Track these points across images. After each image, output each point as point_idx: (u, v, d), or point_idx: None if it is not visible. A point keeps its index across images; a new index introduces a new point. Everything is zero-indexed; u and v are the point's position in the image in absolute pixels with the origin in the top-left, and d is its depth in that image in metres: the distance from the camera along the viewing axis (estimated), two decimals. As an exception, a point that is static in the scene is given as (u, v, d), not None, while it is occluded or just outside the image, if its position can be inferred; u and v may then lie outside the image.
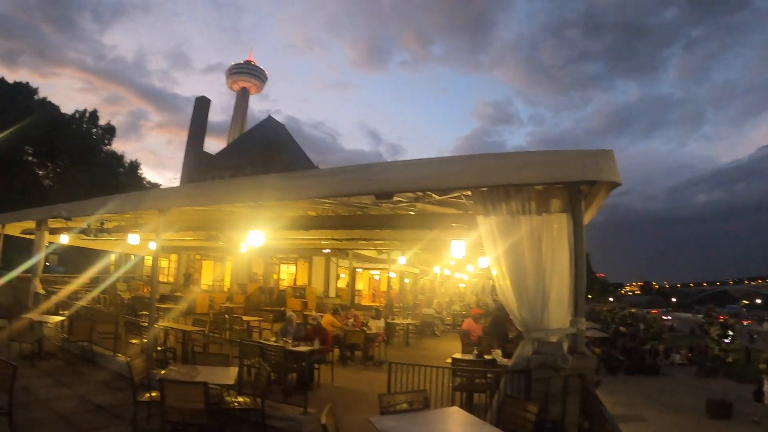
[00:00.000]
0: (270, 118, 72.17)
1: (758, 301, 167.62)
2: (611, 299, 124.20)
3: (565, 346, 7.10)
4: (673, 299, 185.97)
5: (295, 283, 30.90)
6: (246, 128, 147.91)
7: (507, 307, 7.32)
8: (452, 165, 7.05)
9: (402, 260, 22.63)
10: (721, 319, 43.12)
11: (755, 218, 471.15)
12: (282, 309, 23.66)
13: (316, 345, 11.75)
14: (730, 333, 36.22)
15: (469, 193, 7.28)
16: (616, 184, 6.68)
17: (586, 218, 7.95)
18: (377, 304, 29.09)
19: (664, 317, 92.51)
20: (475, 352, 11.18)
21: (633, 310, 57.37)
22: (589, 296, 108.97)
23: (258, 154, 56.13)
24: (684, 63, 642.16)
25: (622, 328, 49.66)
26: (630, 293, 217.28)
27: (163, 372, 7.62)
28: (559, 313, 7.06)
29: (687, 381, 35.14)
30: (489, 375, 9.52)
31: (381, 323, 17.93)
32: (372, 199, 8.12)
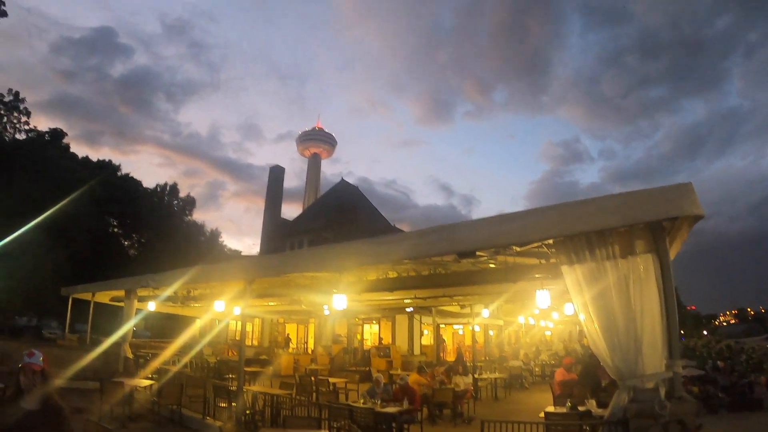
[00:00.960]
0: (343, 180, 73.41)
1: None
2: (705, 332, 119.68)
3: (662, 391, 6.88)
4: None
5: (379, 343, 30.89)
6: (320, 192, 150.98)
7: (598, 355, 7.18)
8: (532, 218, 7.11)
9: (485, 313, 22.39)
10: None
11: None
12: (367, 369, 23.65)
13: (405, 405, 11.68)
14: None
15: (551, 242, 7.21)
16: (699, 217, 6.55)
17: (671, 254, 7.77)
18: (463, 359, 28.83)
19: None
20: (569, 404, 10.91)
21: (730, 342, 54.91)
22: (681, 332, 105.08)
23: (334, 218, 56.87)
24: (747, 70, 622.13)
25: (719, 363, 47.58)
26: (725, 323, 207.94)
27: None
28: (653, 357, 6.87)
29: (799, 414, 33.21)
30: (585, 428, 9.27)
31: (468, 379, 17.70)
32: (453, 257, 8.13)
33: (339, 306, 12.98)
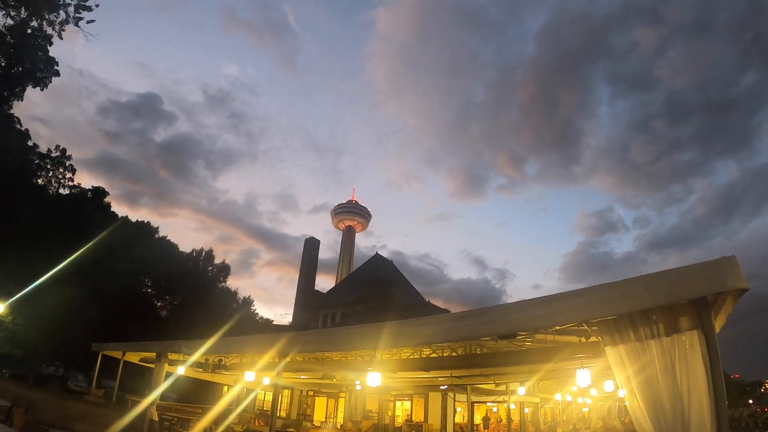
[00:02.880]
0: (377, 254, 73.98)
1: None
2: (750, 401, 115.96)
3: (714, 473, 6.63)
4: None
5: (410, 419, 30.32)
6: (353, 265, 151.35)
7: (643, 435, 6.95)
8: (572, 300, 7.07)
9: (521, 391, 21.94)
10: None
11: None
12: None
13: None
14: None
15: (593, 320, 7.12)
16: (744, 290, 6.42)
17: (717, 327, 7.60)
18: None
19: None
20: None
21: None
22: (726, 401, 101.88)
23: (368, 291, 57.00)
24: None
25: (767, 432, 46.00)
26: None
27: None
28: (702, 438, 6.64)
29: None
30: None
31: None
32: (494, 338, 8.06)
33: (373, 383, 12.84)
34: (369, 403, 32.36)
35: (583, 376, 10.78)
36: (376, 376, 12.65)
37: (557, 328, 8.17)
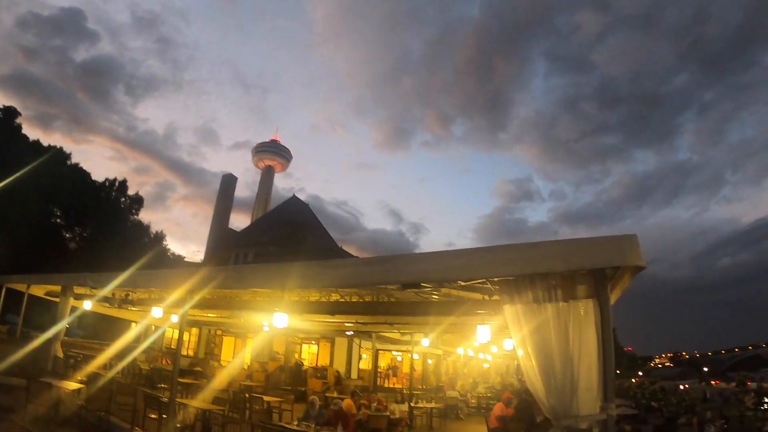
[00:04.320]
0: (294, 196, 73.04)
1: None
2: (640, 373, 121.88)
3: (596, 432, 6.97)
4: (705, 368, 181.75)
5: (316, 363, 30.62)
6: (270, 205, 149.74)
7: (534, 393, 7.24)
8: (477, 256, 7.13)
9: (425, 342, 22.41)
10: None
11: None
12: (303, 389, 23.40)
13: (339, 430, 11.59)
14: (767, 399, 35.25)
15: (495, 279, 7.28)
16: (641, 268, 6.69)
17: (612, 300, 7.91)
18: (399, 385, 28.77)
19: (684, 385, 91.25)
20: (504, 438, 10.99)
21: (664, 384, 56.12)
22: (618, 371, 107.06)
23: (282, 233, 56.55)
24: (699, 127, 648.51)
25: (653, 403, 48.60)
26: (660, 365, 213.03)
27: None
28: (588, 399, 6.95)
29: (724, 454, 34.10)
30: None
31: (404, 407, 17.68)
32: (398, 286, 8.14)
33: (279, 324, 12.88)
34: (276, 345, 32.45)
35: (482, 332, 11.09)
36: (282, 317, 12.69)
37: (461, 283, 8.35)
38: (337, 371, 27.70)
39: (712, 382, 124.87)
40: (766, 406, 35.15)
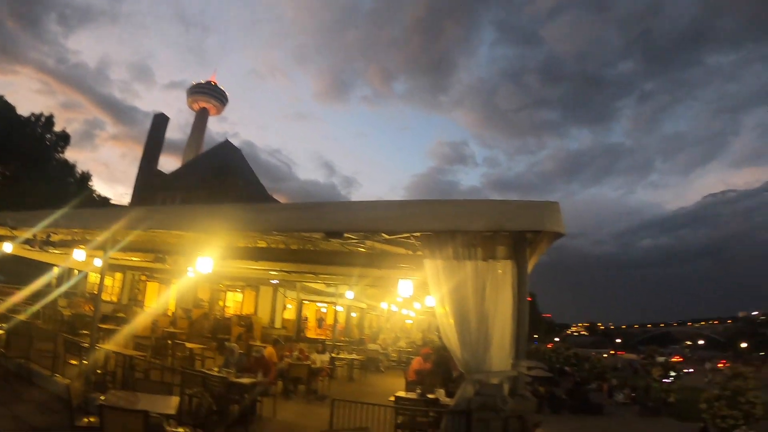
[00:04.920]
0: (227, 141, 71.64)
1: (700, 342, 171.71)
2: (557, 339, 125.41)
3: (506, 388, 7.21)
4: (618, 340, 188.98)
5: (241, 312, 30.50)
6: (202, 149, 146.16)
7: (449, 347, 7.41)
8: (402, 209, 7.17)
9: (350, 295, 22.58)
10: (676, 359, 44.11)
11: (698, 263, 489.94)
12: (227, 337, 23.34)
13: (259, 377, 11.65)
14: (672, 373, 36.86)
15: (418, 234, 7.37)
16: (560, 234, 6.88)
17: (530, 264, 8.13)
18: (323, 336, 28.97)
19: (603, 356, 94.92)
20: (418, 390, 11.24)
21: (577, 350, 57.94)
22: (535, 336, 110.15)
23: (212, 177, 55.58)
24: (636, 114, 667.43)
25: (566, 368, 50.15)
26: (576, 333, 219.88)
27: (103, 397, 7.48)
28: (500, 356, 7.18)
29: (631, 420, 35.74)
30: (431, 414, 9.58)
31: (326, 357, 17.86)
32: (322, 235, 8.15)
33: (204, 269, 12.79)
34: (200, 292, 32.12)
35: (404, 286, 11.26)
36: (207, 261, 12.61)
37: (385, 236, 8.44)
38: (250, 318, 27.63)
39: (619, 353, 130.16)
40: (671, 379, 36.69)
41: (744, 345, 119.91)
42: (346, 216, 7.34)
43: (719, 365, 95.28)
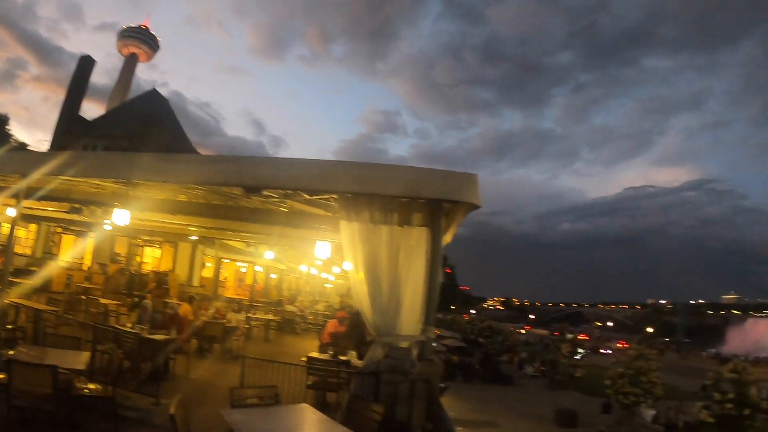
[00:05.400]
0: (155, 90, 69.41)
1: (610, 324, 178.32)
2: (473, 311, 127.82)
3: (415, 352, 7.37)
4: (532, 316, 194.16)
5: (158, 268, 30.00)
6: (129, 96, 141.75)
7: (361, 310, 7.51)
8: (322, 169, 7.15)
9: (269, 255, 22.49)
10: (582, 337, 45.83)
11: (613, 251, 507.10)
12: (143, 294, 22.99)
13: (173, 334, 11.58)
14: (580, 350, 38.19)
15: (337, 194, 7.40)
16: (476, 206, 7.01)
17: (448, 235, 8.30)
18: (241, 296, 28.82)
19: (520, 331, 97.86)
20: (331, 352, 11.38)
21: (491, 323, 59.29)
22: (452, 307, 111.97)
23: (136, 127, 53.75)
24: (569, 103, 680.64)
25: (480, 339, 51.34)
26: (491, 307, 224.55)
27: (11, 352, 7.33)
28: (410, 320, 7.32)
29: (538, 392, 37.10)
30: (342, 375, 9.72)
31: (242, 317, 17.82)
32: (242, 191, 8.09)
33: (120, 221, 12.52)
34: (118, 247, 31.42)
35: (322, 248, 11.31)
36: (124, 213, 12.35)
37: (306, 196, 8.44)
38: (167, 274, 27.23)
39: (526, 328, 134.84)
40: (578, 356, 38.01)
41: (650, 330, 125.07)
42: (266, 172, 7.22)
43: (618, 345, 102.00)
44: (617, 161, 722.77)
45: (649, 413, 29.73)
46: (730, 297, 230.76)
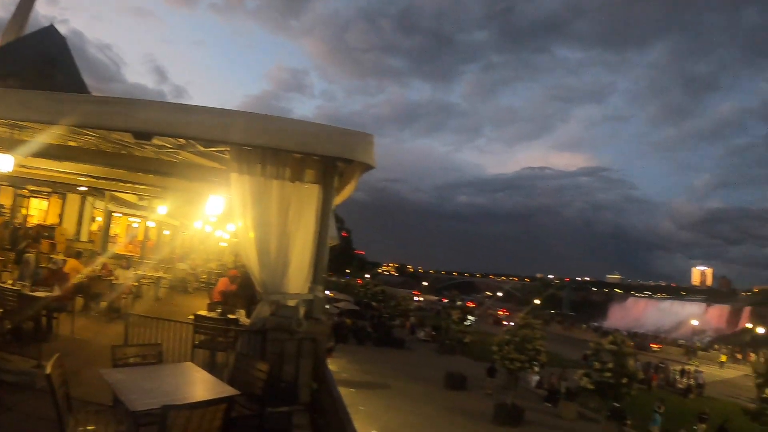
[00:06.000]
0: (52, 27, 65.97)
1: (499, 294, 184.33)
2: (367, 276, 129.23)
3: (302, 311, 7.37)
4: (425, 283, 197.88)
5: (45, 221, 28.77)
6: (25, 32, 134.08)
7: (249, 267, 7.44)
8: (216, 117, 6.80)
9: (162, 210, 21.90)
10: (469, 305, 47.23)
11: (507, 225, 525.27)
12: (27, 249, 22.03)
13: (56, 291, 11.14)
14: (470, 317, 39.19)
15: (229, 146, 7.21)
16: (370, 167, 6.99)
17: (341, 196, 8.27)
18: (132, 253, 28.05)
19: (416, 299, 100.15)
20: (219, 310, 11.25)
21: (385, 288, 60.16)
22: (347, 270, 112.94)
23: (28, 66, 51.01)
24: (478, 81, 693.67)
25: (373, 303, 52.05)
26: (386, 272, 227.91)
27: None
28: (298, 279, 7.31)
29: (429, 356, 38.20)
30: (231, 335, 9.63)
31: (130, 274, 17.36)
32: (132, 137, 7.72)
33: (3, 167, 11.91)
34: (2, 197, 30.01)
35: (214, 202, 11.08)
36: (7, 159, 11.73)
37: (200, 147, 8.22)
38: (45, 227, 26.15)
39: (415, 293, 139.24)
40: (467, 322, 39.07)
41: (537, 302, 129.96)
42: (157, 116, 6.75)
43: (499, 312, 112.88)
44: (518, 141, 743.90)
45: (534, 378, 31.34)
46: (614, 277, 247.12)
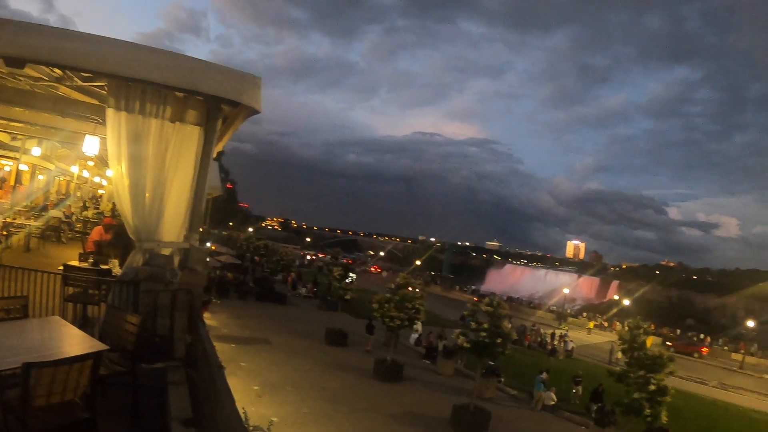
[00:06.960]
0: None
1: (381, 253, 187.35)
2: (251, 229, 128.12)
3: (176, 260, 7.05)
4: (308, 239, 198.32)
5: None
6: None
7: (121, 212, 7.06)
8: (93, 44, 6.23)
9: (36, 151, 20.68)
10: (346, 261, 47.67)
11: (393, 187, 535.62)
12: None
13: None
14: (352, 275, 39.42)
15: (106, 77, 6.66)
16: (255, 111, 6.73)
17: (223, 141, 7.90)
18: (2, 200, 26.53)
19: (302, 254, 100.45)
20: (91, 260, 10.65)
21: (268, 242, 59.90)
22: (231, 223, 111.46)
23: None
24: (379, 41, 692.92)
25: (255, 258, 51.65)
26: (270, 227, 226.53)
27: None
28: (174, 226, 7.01)
29: (310, 311, 38.42)
30: (104, 287, 9.10)
31: (-3, 222, 16.37)
32: (4, 66, 6.98)
33: None
34: None
35: (91, 143, 10.44)
36: None
37: (78, 82, 7.64)
38: None
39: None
40: (349, 279, 39.50)
41: (418, 262, 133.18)
42: (30, 41, 6.03)
43: (371, 269, 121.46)
44: (412, 106, 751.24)
45: (413, 336, 31.99)
46: (494, 244, 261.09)
